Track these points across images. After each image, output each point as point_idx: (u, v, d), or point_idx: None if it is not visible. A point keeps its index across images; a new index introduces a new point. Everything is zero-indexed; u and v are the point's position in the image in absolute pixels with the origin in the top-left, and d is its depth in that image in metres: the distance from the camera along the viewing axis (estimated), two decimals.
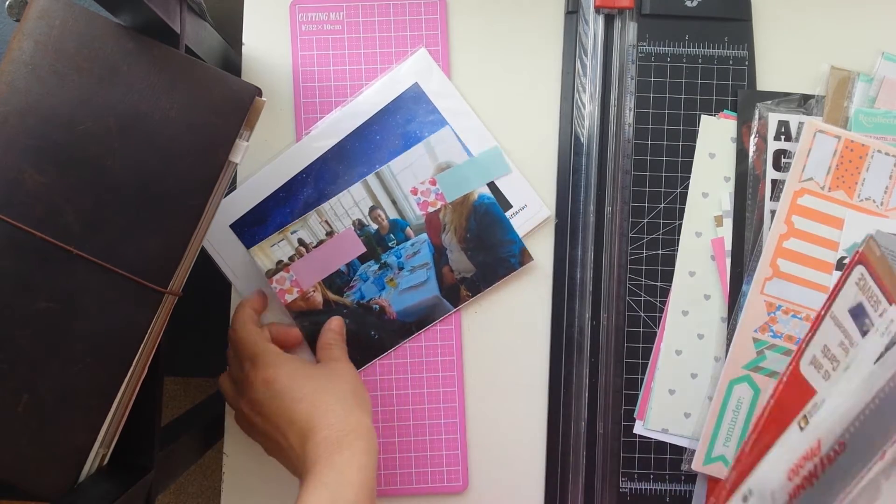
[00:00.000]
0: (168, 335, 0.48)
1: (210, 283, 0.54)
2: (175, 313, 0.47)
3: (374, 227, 0.55)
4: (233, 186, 0.56)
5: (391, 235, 0.55)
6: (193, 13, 0.52)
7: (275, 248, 0.54)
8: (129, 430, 0.47)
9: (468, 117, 0.57)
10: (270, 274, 0.54)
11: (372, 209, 0.55)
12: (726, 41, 0.57)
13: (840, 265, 0.52)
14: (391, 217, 0.55)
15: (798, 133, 0.54)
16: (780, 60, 0.57)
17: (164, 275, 0.44)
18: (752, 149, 0.55)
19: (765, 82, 0.57)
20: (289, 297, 0.55)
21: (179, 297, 0.46)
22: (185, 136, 0.44)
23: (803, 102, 0.56)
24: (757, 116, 0.55)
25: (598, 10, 0.56)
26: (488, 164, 0.55)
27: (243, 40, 0.58)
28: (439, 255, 0.56)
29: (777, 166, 0.55)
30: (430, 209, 0.55)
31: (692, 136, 0.56)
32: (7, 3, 0.49)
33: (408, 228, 0.55)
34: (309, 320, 0.55)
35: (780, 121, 0.55)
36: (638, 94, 0.56)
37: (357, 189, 0.55)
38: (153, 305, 0.44)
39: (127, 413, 0.46)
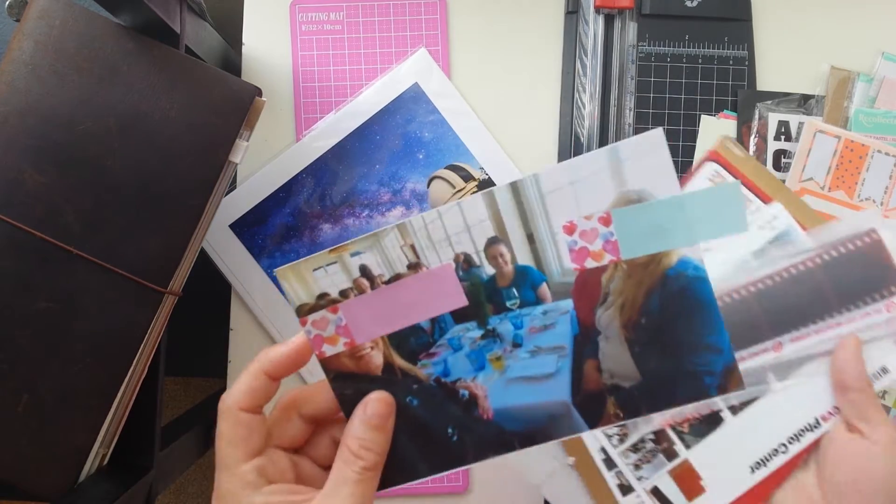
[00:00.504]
0: (168, 335, 0.48)
1: (210, 283, 0.55)
2: (175, 313, 0.47)
3: (490, 271, 0.35)
4: (233, 186, 0.56)
5: (513, 291, 0.35)
6: (193, 13, 0.52)
7: (320, 274, 0.35)
8: (129, 430, 0.47)
9: (468, 117, 0.57)
10: (305, 311, 0.35)
11: (492, 243, 0.34)
12: (726, 41, 0.57)
13: None
14: (520, 262, 0.35)
15: (798, 133, 0.54)
16: (780, 60, 0.57)
17: (164, 275, 0.44)
18: (752, 149, 0.55)
19: (765, 82, 0.57)
20: (329, 350, 0.35)
21: (179, 297, 0.46)
22: (185, 136, 0.44)
23: (803, 102, 0.56)
24: (757, 116, 0.55)
25: (598, 10, 0.56)
26: (714, 211, 0.32)
27: (243, 40, 0.58)
28: (585, 339, 0.35)
29: (777, 166, 0.55)
30: (590, 264, 0.34)
31: (692, 136, 0.56)
32: (7, 3, 0.49)
33: (543, 286, 0.35)
34: (354, 388, 0.35)
35: (780, 121, 0.55)
36: (638, 94, 0.56)
37: (474, 204, 0.34)
38: (153, 305, 0.44)
39: (127, 413, 0.46)
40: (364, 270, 0.35)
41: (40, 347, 0.42)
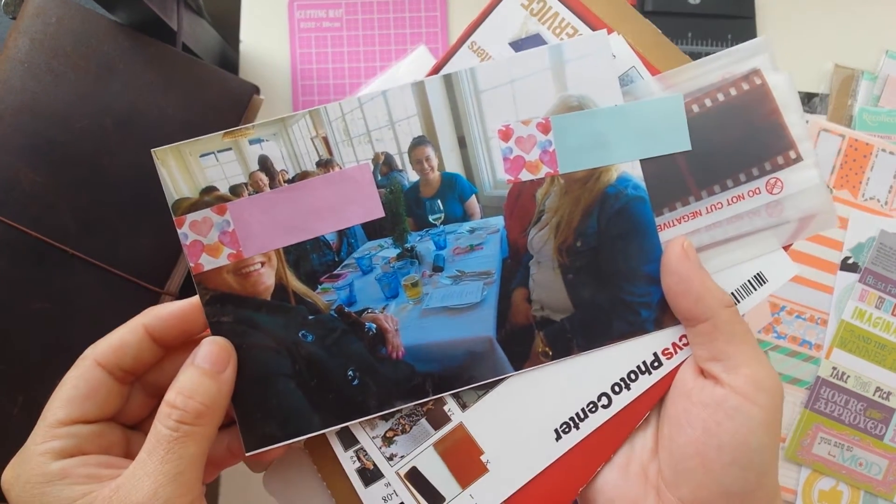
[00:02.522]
0: None
1: None
2: None
3: (413, 177, 0.30)
4: None
5: (437, 203, 0.30)
6: (190, 10, 0.51)
7: (209, 161, 0.28)
8: None
9: None
10: (183, 209, 0.28)
11: (418, 143, 0.30)
12: (730, 39, 0.56)
13: (845, 265, 0.52)
14: (448, 169, 0.30)
15: None
16: (783, 58, 0.57)
17: (161, 275, 0.44)
18: None
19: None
20: (208, 262, 0.29)
21: (176, 298, 0.46)
22: (182, 134, 0.43)
23: (807, 101, 0.55)
24: None
25: None
26: (656, 124, 0.30)
27: (241, 38, 0.57)
28: (515, 264, 0.31)
29: None
30: (525, 176, 0.30)
31: None
32: (3, 0, 0.49)
33: (472, 199, 0.30)
34: (233, 316, 0.29)
35: None
36: None
37: (402, 95, 0.29)
38: (150, 306, 0.43)
39: None
40: (264, 163, 0.28)
41: (36, 348, 0.42)
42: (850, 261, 0.52)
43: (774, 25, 0.57)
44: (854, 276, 0.51)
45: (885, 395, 0.50)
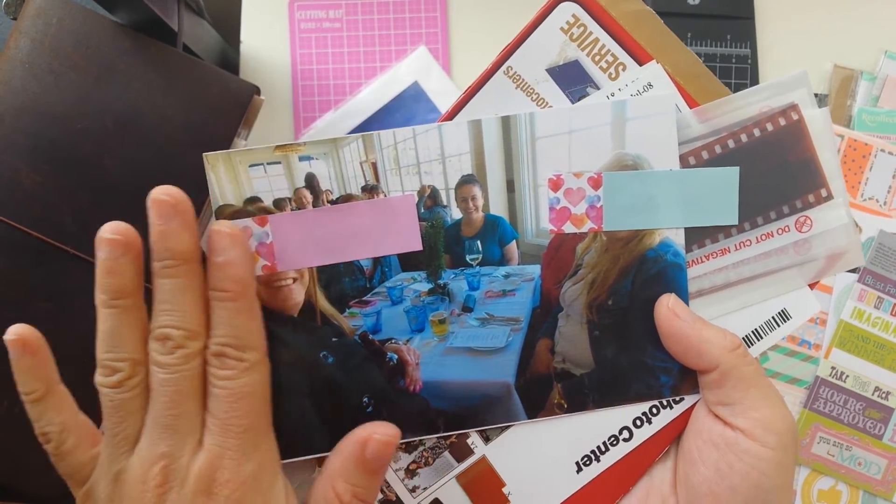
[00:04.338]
0: None
1: None
2: None
3: (456, 215, 0.30)
4: None
5: (476, 243, 0.30)
6: (191, 11, 0.52)
7: (257, 172, 0.29)
8: None
9: None
10: (226, 215, 0.30)
11: (466, 181, 0.30)
12: (729, 39, 0.56)
13: None
14: (492, 211, 0.30)
15: None
16: (782, 58, 0.57)
17: None
18: None
19: (767, 80, 0.57)
20: None
21: None
22: (183, 134, 0.44)
23: None
24: None
25: None
26: (708, 194, 0.30)
27: (241, 38, 0.57)
28: (544, 314, 0.31)
29: None
30: (568, 228, 0.30)
31: None
32: (4, 1, 0.49)
33: (512, 244, 0.30)
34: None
35: None
36: None
37: (457, 131, 0.29)
38: (150, 306, 0.43)
39: None
40: (310, 181, 0.29)
41: None
42: None
43: (774, 25, 0.57)
44: (853, 276, 0.51)
45: (883, 395, 0.50)
